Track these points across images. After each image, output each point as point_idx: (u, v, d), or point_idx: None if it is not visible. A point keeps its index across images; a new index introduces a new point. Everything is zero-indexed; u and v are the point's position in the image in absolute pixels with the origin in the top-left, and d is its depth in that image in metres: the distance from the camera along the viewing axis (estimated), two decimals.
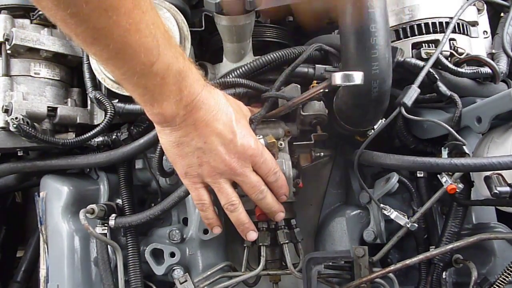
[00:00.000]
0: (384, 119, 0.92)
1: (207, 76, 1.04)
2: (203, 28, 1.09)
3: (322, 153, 1.03)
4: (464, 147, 0.87)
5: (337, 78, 0.73)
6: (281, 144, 0.95)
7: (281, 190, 0.88)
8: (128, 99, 0.98)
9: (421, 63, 0.95)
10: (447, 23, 0.99)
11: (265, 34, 1.11)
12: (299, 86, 0.95)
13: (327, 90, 0.84)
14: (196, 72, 0.75)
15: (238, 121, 0.81)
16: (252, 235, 0.89)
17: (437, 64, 0.97)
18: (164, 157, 0.95)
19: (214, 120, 0.77)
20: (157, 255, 1.03)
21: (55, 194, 1.02)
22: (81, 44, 0.65)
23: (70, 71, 1.08)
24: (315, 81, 0.97)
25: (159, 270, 1.01)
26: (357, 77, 0.72)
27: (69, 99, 1.03)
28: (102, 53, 0.65)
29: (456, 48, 1.01)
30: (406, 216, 0.93)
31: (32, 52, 0.99)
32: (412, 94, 0.90)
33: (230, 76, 0.96)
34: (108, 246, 0.99)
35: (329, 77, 0.75)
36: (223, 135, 0.78)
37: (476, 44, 1.06)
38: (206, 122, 0.77)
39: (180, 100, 0.73)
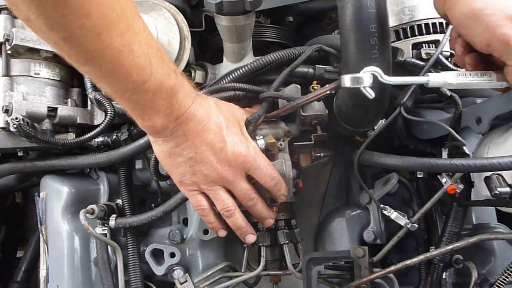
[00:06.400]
0: (384, 119, 0.92)
1: (207, 77, 1.04)
2: (203, 28, 1.09)
3: (322, 153, 1.03)
4: (464, 147, 0.87)
5: (346, 80, 0.73)
6: (281, 144, 0.95)
7: (279, 192, 0.89)
8: None
9: (421, 63, 0.95)
10: (447, 23, 0.99)
11: (265, 34, 1.11)
12: (299, 86, 0.95)
13: (333, 92, 0.84)
14: (188, 86, 0.77)
15: (229, 129, 0.81)
16: (250, 238, 0.90)
17: (437, 65, 0.96)
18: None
19: (204, 130, 0.78)
20: (157, 255, 1.02)
21: (55, 194, 1.02)
22: (74, 64, 0.65)
23: (70, 71, 1.07)
24: (315, 82, 0.97)
25: (159, 270, 1.01)
26: (366, 80, 0.72)
27: (69, 100, 1.03)
28: (95, 72, 0.65)
29: None
30: (406, 217, 0.92)
31: (32, 52, 0.99)
32: (412, 94, 0.90)
33: (228, 78, 0.96)
34: (108, 246, 0.99)
35: (338, 79, 0.75)
36: (214, 144, 0.79)
37: None
38: (196, 133, 0.78)
39: (170, 113, 0.74)
